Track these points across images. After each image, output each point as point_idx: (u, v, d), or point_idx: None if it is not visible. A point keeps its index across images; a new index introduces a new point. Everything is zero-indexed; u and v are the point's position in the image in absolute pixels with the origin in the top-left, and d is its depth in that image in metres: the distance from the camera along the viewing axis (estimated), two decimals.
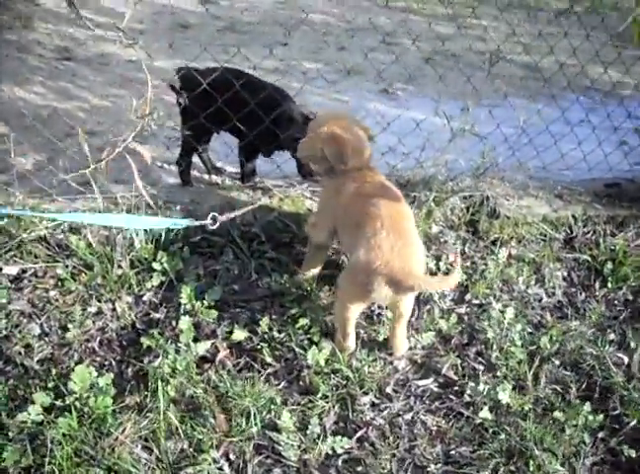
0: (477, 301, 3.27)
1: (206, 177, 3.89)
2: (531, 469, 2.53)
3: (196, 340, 2.81)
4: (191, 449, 2.46)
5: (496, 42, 4.33)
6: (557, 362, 3.02)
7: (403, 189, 3.43)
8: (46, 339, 2.82)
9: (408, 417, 2.73)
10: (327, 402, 2.69)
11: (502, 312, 3.16)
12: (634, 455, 2.68)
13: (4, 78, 4.65)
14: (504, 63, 5.62)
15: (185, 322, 2.82)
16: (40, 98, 4.51)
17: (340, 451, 2.52)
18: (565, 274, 3.54)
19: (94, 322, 2.90)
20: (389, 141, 3.63)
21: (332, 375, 2.79)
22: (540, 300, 3.39)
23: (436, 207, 3.49)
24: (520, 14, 6.63)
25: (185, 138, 3.60)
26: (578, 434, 2.69)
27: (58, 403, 2.50)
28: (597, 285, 3.51)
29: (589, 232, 3.73)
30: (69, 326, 2.84)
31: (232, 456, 2.47)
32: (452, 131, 3.43)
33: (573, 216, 3.74)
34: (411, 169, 3.56)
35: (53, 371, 2.66)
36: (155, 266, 3.06)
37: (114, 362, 2.78)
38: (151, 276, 3.06)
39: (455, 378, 2.90)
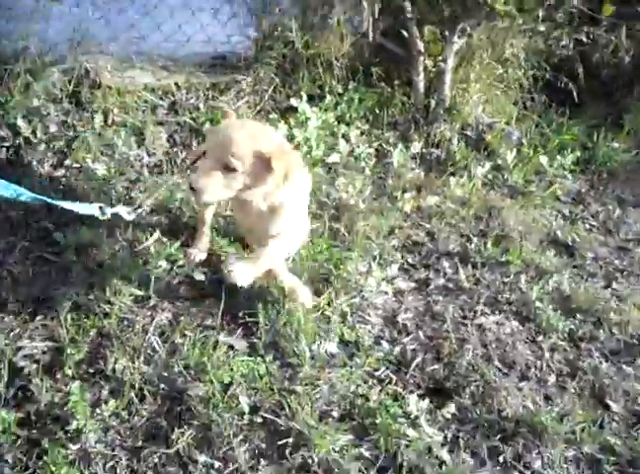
0: (77, 165, 3.46)
1: None
2: None
3: None
4: None
5: None
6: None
7: None
8: None
9: None
10: None
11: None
12: None
13: None
14: None
15: None
16: None
17: None
18: (167, 136, 3.83)
19: None
20: None
21: None
22: (141, 160, 3.65)
23: (34, 81, 3.57)
24: None
25: None
26: None
27: None
28: (195, 144, 3.84)
29: (192, 98, 4.04)
30: None
31: None
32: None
33: (176, 84, 4.02)
34: None
35: None
36: None
37: None
38: None
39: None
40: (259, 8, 4.24)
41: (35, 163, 3.40)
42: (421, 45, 4.31)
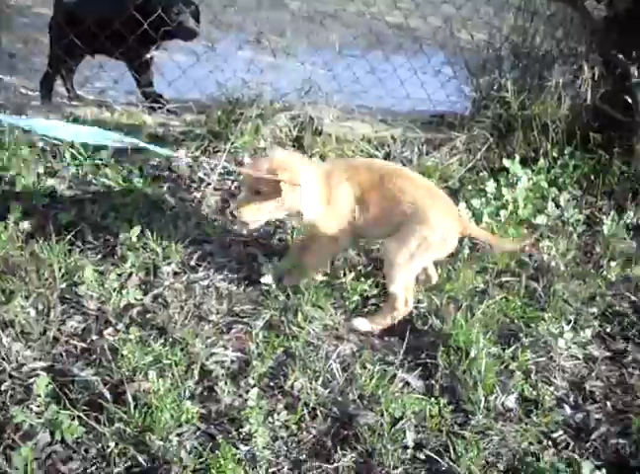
0: None
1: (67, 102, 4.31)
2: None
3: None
4: (3, 298, 2.89)
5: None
6: None
7: (230, 105, 3.89)
8: None
9: (204, 283, 3.20)
10: (132, 269, 3.14)
11: None
12: None
13: None
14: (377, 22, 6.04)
15: (14, 206, 3.23)
16: None
17: (134, 302, 2.99)
18: None
19: None
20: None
21: (142, 250, 3.24)
22: None
23: (263, 125, 3.95)
24: None
25: (51, 60, 4.07)
26: None
27: None
28: None
29: (406, 151, 4.22)
30: None
31: (40, 306, 2.91)
32: (273, 53, 3.90)
33: (392, 137, 4.23)
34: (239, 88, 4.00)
35: None
36: None
37: None
38: None
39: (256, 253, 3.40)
40: (477, 69, 4.36)
41: None
42: None
